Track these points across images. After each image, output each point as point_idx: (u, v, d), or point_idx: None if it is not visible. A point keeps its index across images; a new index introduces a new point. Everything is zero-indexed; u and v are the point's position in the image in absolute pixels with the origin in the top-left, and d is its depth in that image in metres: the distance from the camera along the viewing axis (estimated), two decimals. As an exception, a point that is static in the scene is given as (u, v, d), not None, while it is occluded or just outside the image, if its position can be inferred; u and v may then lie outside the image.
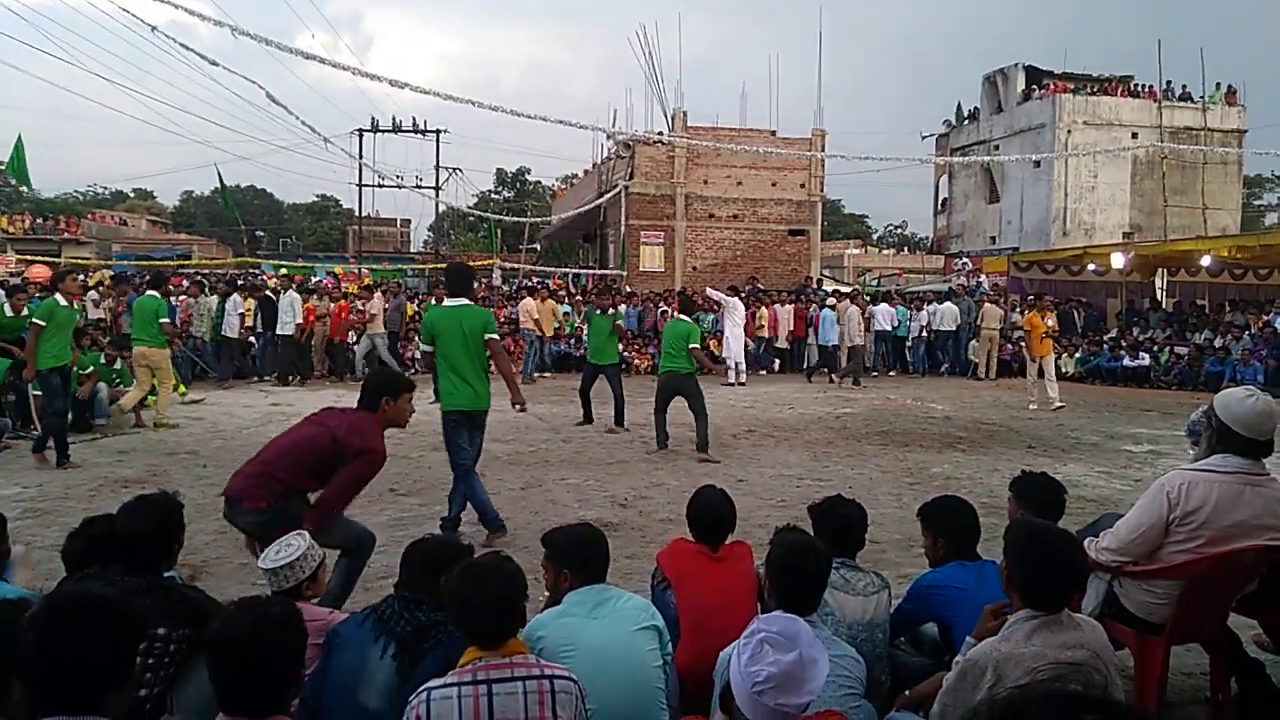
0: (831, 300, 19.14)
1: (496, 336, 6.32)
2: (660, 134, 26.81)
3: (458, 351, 6.07)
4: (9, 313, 10.54)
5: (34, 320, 8.51)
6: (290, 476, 4.18)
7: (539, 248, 48.07)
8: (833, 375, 17.35)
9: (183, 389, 13.42)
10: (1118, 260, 21.49)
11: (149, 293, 11.01)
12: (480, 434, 6.32)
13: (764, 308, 19.79)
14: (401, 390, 4.61)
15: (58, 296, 8.64)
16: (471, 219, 52.90)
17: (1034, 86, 31.78)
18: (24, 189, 25.94)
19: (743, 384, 16.16)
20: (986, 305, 19.30)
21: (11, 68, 45.13)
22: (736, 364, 16.48)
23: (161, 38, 12.65)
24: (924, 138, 36.98)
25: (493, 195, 63.38)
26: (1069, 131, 29.63)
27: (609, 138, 28.87)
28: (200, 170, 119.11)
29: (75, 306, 8.67)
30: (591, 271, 31.49)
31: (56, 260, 32.40)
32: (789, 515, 6.22)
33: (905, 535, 6.17)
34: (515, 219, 40.02)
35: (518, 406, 6.44)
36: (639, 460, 9.15)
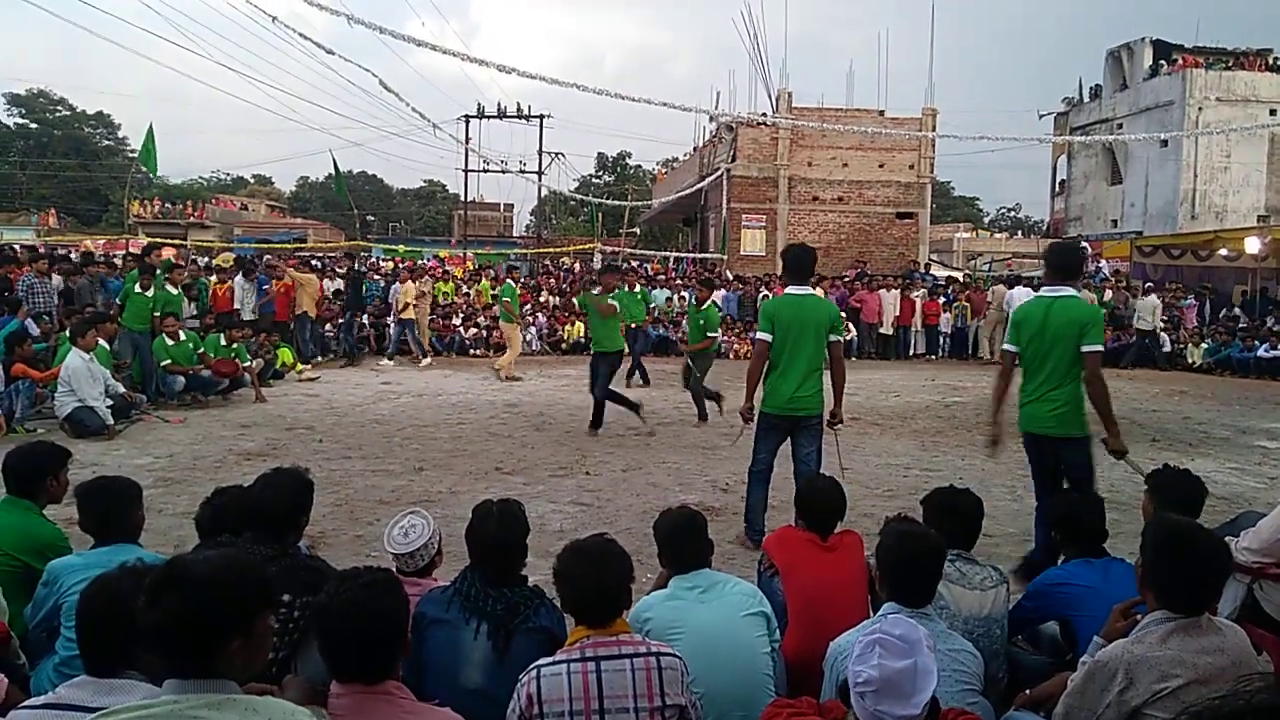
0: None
1: (842, 339, 5.71)
2: (764, 115, 26.43)
3: (798, 347, 5.50)
4: (168, 289, 11.52)
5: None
6: None
7: (639, 231, 48.16)
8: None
9: (300, 366, 14.00)
10: (1252, 245, 20.17)
11: (507, 282, 14.98)
12: (810, 443, 5.63)
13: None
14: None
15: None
16: (573, 203, 53.38)
17: (1162, 61, 30.10)
18: (153, 176, 27.36)
19: None
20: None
21: (145, 58, 47.66)
22: None
23: (281, 28, 13.09)
24: (1041, 116, 35.50)
25: (594, 179, 63.81)
26: (1200, 109, 27.97)
27: (711, 120, 28.64)
28: (315, 156, 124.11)
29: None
30: (691, 255, 31.38)
31: (183, 243, 34.12)
32: (896, 505, 6.08)
33: (1020, 529, 5.96)
34: (616, 203, 40.11)
35: (839, 421, 5.74)
36: (741, 444, 9.04)
